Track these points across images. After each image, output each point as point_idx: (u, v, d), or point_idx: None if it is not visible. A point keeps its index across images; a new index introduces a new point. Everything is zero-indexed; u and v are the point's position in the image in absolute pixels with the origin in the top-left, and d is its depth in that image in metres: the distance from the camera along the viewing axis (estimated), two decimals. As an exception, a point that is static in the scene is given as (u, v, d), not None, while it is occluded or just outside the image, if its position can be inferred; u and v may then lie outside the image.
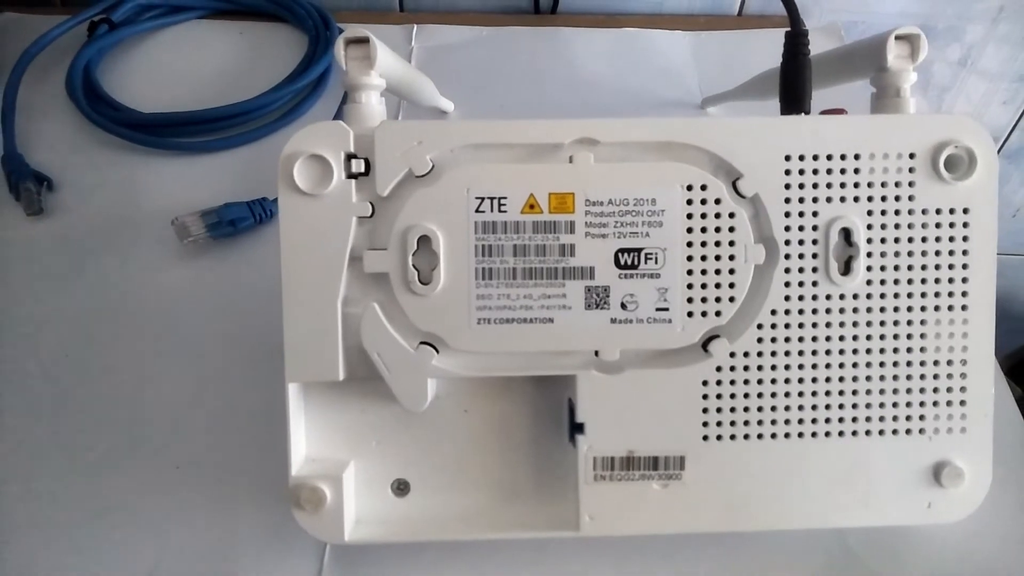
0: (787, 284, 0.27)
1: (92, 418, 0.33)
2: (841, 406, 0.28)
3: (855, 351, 0.28)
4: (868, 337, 0.28)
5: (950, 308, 0.28)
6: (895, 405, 0.28)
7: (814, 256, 0.27)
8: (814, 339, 0.27)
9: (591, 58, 0.53)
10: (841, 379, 0.28)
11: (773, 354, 0.27)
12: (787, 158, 0.27)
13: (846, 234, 0.27)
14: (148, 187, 0.43)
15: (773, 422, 0.28)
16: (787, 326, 0.27)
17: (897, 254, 0.27)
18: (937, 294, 0.28)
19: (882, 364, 0.28)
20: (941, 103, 0.65)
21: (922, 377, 0.28)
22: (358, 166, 0.27)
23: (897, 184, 0.27)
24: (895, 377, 0.28)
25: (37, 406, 0.34)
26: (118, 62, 0.51)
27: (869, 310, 0.28)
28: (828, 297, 0.27)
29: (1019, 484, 0.32)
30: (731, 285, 0.27)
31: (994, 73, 0.63)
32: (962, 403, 0.28)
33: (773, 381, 0.27)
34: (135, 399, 0.34)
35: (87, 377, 0.35)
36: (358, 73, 0.28)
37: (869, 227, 0.27)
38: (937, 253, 0.28)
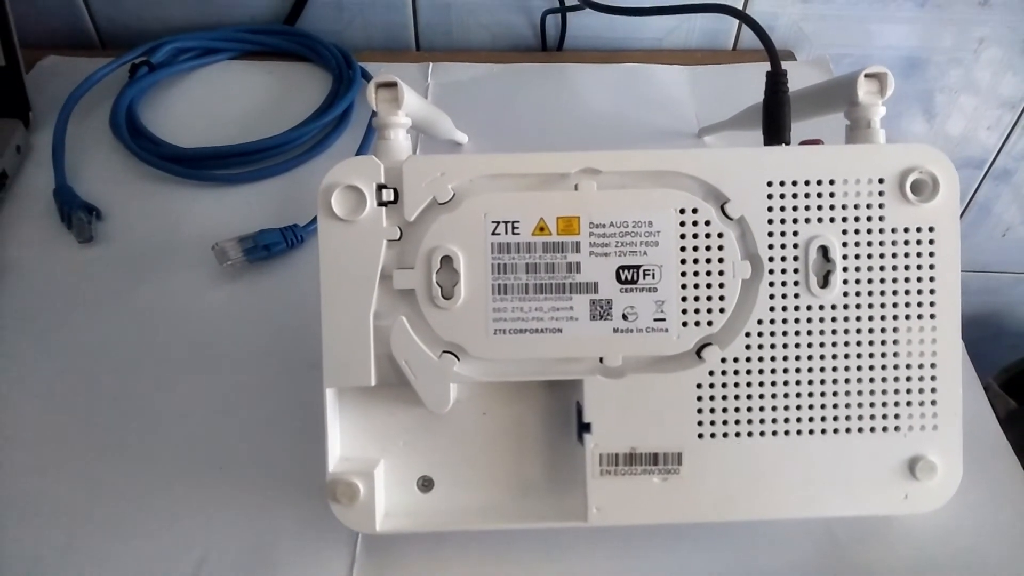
0: (772, 296, 0.30)
1: (140, 426, 0.36)
2: (823, 406, 0.31)
3: (835, 356, 0.31)
4: (846, 344, 0.31)
5: (919, 317, 0.31)
6: (872, 405, 0.31)
7: (795, 271, 0.30)
8: (797, 346, 0.30)
9: (596, 92, 0.57)
10: (822, 381, 0.30)
11: (760, 359, 0.30)
12: (769, 184, 0.30)
13: (824, 251, 0.30)
14: (187, 216, 0.46)
15: (762, 420, 0.30)
16: (772, 334, 0.30)
17: (870, 268, 0.31)
18: (907, 304, 0.31)
19: (859, 368, 0.31)
20: (930, 128, 0.68)
21: (896, 379, 0.31)
22: (388, 195, 0.30)
23: (868, 206, 0.31)
24: (871, 379, 0.31)
25: (90, 415, 0.37)
26: (157, 100, 0.55)
27: (846, 319, 0.31)
28: (809, 308, 0.30)
29: (992, 479, 0.35)
30: (721, 298, 0.30)
31: (979, 101, 0.66)
32: (933, 403, 0.31)
33: (761, 384, 0.30)
34: (181, 408, 0.37)
35: (136, 388, 0.38)
36: (387, 113, 0.31)
37: (844, 245, 0.30)
38: (907, 267, 0.31)
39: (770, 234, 0.30)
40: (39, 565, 0.31)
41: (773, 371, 0.30)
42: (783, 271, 0.30)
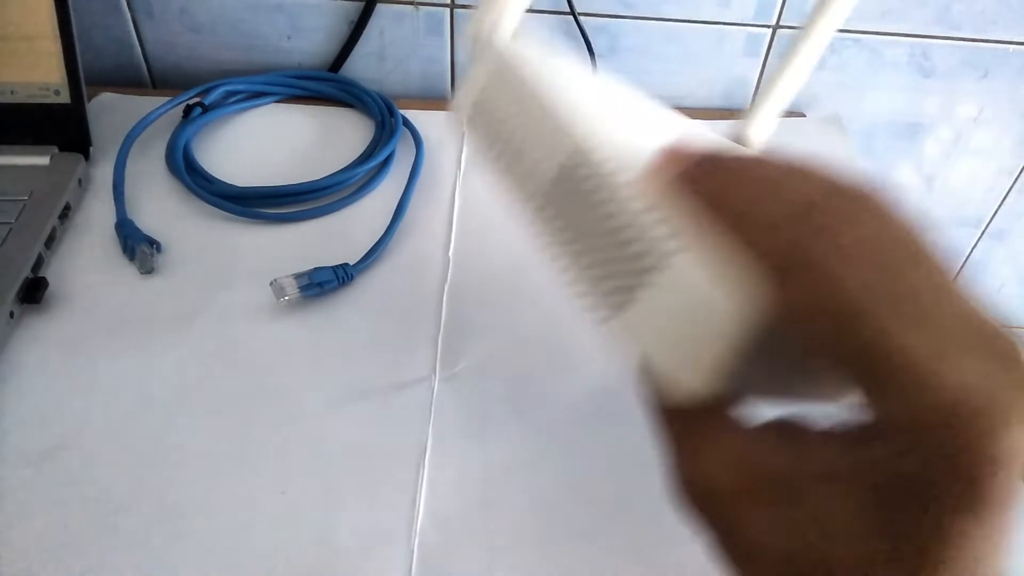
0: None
1: (196, 453, 0.38)
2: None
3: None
4: None
5: None
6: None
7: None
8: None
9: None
10: None
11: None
12: None
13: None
14: (241, 251, 0.49)
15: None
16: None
17: None
18: None
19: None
20: (931, 189, 0.72)
21: None
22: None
23: None
24: None
25: (144, 439, 0.38)
26: (207, 139, 0.58)
27: None
28: None
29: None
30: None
31: (978, 164, 0.70)
32: None
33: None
34: (239, 432, 0.39)
35: (196, 414, 0.40)
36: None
37: None
38: None
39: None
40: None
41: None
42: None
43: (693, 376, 0.18)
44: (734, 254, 0.18)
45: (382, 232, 0.50)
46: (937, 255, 0.18)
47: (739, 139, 0.37)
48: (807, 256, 0.17)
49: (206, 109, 0.58)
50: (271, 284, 0.44)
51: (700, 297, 0.18)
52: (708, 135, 0.26)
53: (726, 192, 0.19)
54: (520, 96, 0.24)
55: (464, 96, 0.28)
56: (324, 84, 0.62)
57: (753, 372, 0.17)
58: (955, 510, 0.15)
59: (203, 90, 0.59)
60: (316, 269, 0.46)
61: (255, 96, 0.61)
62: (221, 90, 0.59)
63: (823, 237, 0.17)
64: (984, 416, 0.15)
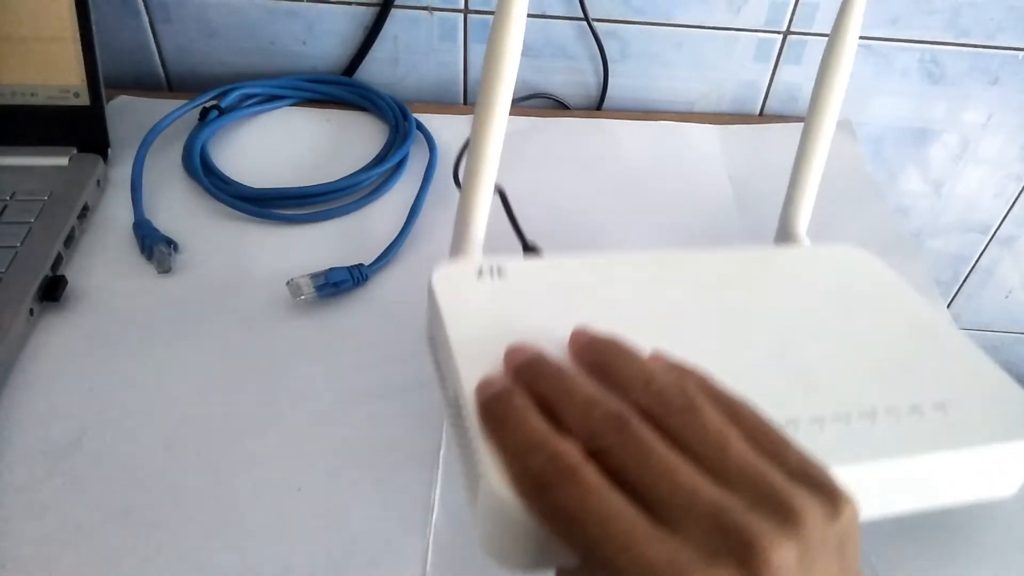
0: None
1: (216, 448, 0.38)
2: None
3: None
4: None
5: None
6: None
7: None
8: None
9: (632, 146, 0.61)
10: None
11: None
12: None
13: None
14: (257, 251, 0.49)
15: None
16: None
17: None
18: None
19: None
20: (939, 195, 0.72)
21: None
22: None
23: None
24: None
25: (161, 436, 0.39)
26: (223, 141, 0.58)
27: None
28: None
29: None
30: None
31: (986, 170, 0.70)
32: None
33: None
34: (256, 430, 0.39)
35: (212, 412, 0.40)
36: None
37: None
38: None
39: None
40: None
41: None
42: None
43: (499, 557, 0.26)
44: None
45: (396, 233, 0.50)
46: None
47: (786, 229, 0.43)
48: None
49: (222, 112, 0.58)
50: (287, 284, 0.45)
51: (496, 504, 0.25)
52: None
53: (536, 385, 0.27)
54: (442, 339, 0.32)
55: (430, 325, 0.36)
56: (338, 88, 0.63)
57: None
58: None
59: (219, 93, 0.59)
60: (332, 269, 0.46)
61: (270, 99, 0.62)
62: (237, 93, 0.60)
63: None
64: None
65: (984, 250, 0.76)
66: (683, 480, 0.23)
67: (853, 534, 0.23)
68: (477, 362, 0.29)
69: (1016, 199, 0.72)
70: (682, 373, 0.27)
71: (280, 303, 0.46)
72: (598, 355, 0.28)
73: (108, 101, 0.59)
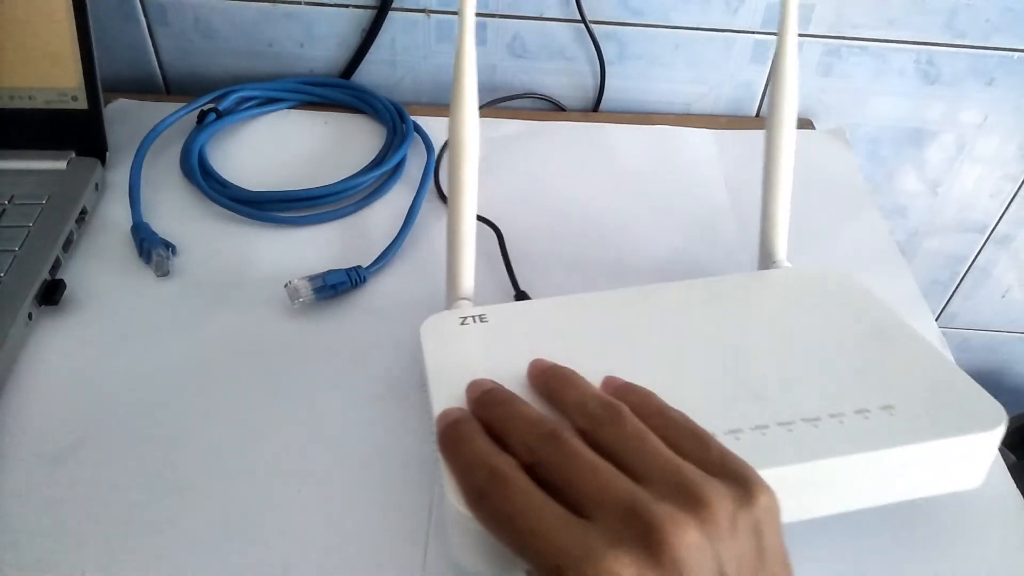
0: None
1: (214, 451, 0.38)
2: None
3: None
4: None
5: None
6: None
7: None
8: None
9: (629, 150, 0.61)
10: None
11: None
12: None
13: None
14: (255, 254, 0.49)
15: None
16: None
17: None
18: None
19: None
20: (936, 195, 0.72)
21: None
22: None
23: None
24: None
25: (161, 438, 0.39)
26: (221, 144, 0.58)
27: None
28: None
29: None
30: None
31: (982, 170, 0.70)
32: None
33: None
34: (255, 433, 0.39)
35: (212, 415, 0.40)
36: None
37: None
38: None
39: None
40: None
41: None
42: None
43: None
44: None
45: (394, 235, 0.50)
46: None
47: (767, 256, 0.45)
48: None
49: (220, 115, 0.58)
50: (285, 286, 0.45)
51: (455, 518, 0.29)
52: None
53: (489, 411, 0.31)
54: (426, 383, 0.35)
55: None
56: (336, 90, 0.63)
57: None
58: None
59: (217, 96, 0.59)
60: (329, 271, 0.46)
61: (268, 102, 0.62)
62: (235, 96, 0.60)
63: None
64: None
65: (981, 250, 0.76)
66: (602, 478, 0.26)
67: (770, 520, 0.26)
68: (452, 401, 0.32)
69: (1012, 199, 0.72)
70: (628, 391, 0.31)
71: (278, 305, 0.46)
72: (546, 383, 0.32)
73: (106, 104, 0.59)
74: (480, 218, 0.52)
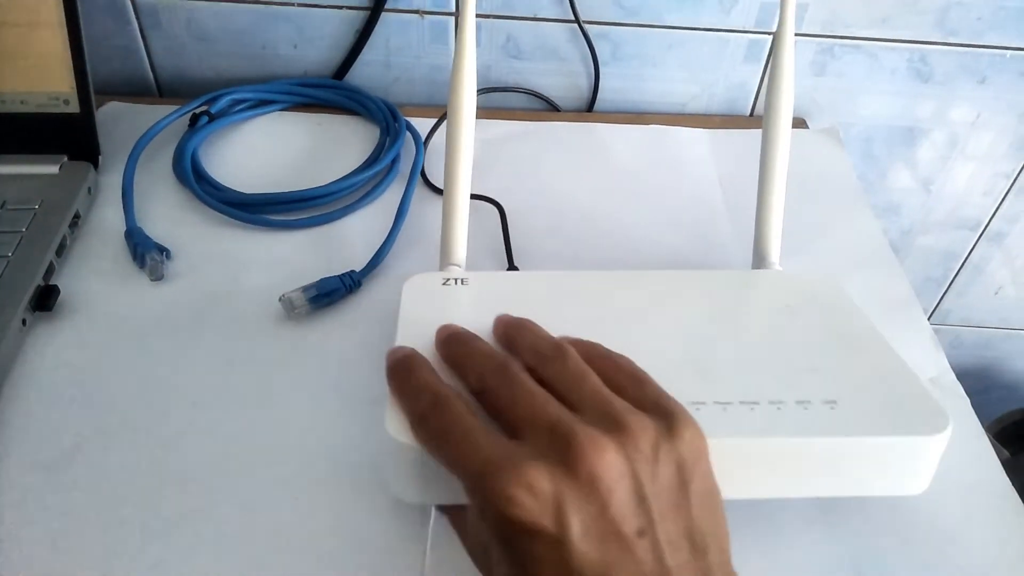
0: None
1: (207, 459, 0.38)
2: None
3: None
4: None
5: None
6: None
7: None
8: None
9: (623, 149, 0.61)
10: None
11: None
12: None
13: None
14: (248, 257, 0.49)
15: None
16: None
17: None
18: None
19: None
20: (929, 192, 0.72)
21: None
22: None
23: None
24: None
25: (158, 444, 0.39)
26: (214, 147, 0.58)
27: None
28: None
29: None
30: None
31: (975, 167, 0.71)
32: None
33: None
34: (251, 439, 0.39)
35: (208, 421, 0.40)
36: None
37: None
38: None
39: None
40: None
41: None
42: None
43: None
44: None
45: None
46: None
47: (759, 257, 0.46)
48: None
49: (212, 118, 0.58)
50: (280, 300, 0.45)
51: (392, 445, 0.31)
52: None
53: (449, 348, 0.34)
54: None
55: None
56: (328, 91, 0.63)
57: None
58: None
59: (209, 99, 0.59)
60: (323, 279, 0.46)
61: (260, 104, 0.62)
62: (227, 99, 0.60)
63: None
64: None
65: (974, 247, 0.77)
66: (537, 402, 0.28)
67: (695, 455, 0.28)
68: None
69: (1005, 196, 0.72)
70: (579, 341, 0.33)
71: (274, 309, 0.46)
72: (505, 332, 0.34)
73: (98, 107, 0.59)
74: (484, 197, 0.54)
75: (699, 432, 0.28)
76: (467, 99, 0.42)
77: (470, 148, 0.42)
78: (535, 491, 0.25)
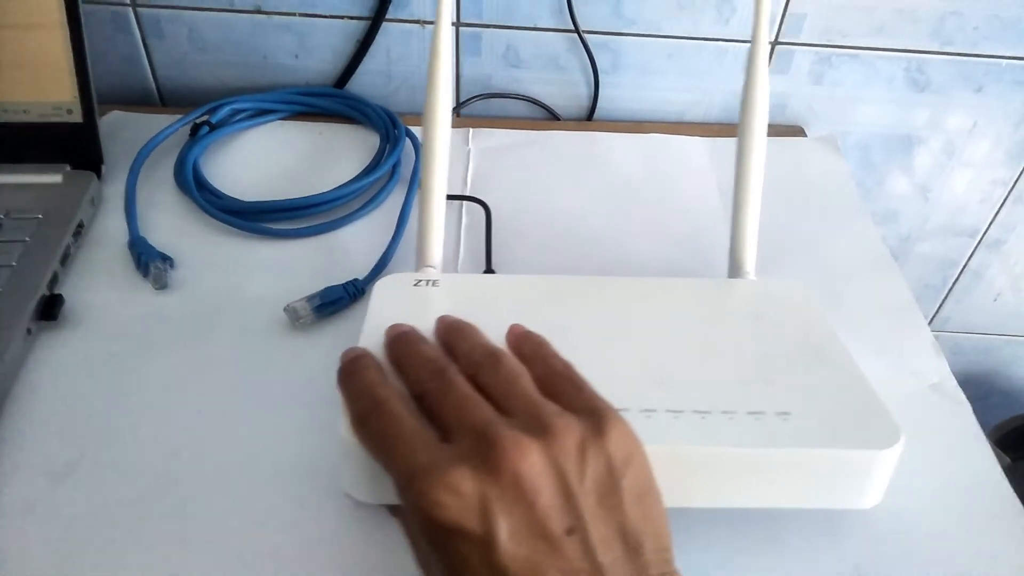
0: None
1: (214, 467, 0.38)
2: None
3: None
4: None
5: None
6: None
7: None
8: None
9: (623, 158, 0.61)
10: None
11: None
12: None
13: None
14: (251, 266, 0.49)
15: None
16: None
17: None
18: None
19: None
20: (927, 200, 0.73)
21: None
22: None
23: None
24: None
25: (163, 453, 0.39)
26: (215, 156, 0.58)
27: None
28: None
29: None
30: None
31: (973, 175, 0.71)
32: None
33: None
34: (258, 447, 0.39)
35: (213, 428, 0.40)
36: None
37: None
38: None
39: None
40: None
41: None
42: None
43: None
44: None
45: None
46: None
47: (734, 266, 0.46)
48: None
49: (213, 127, 0.59)
50: (285, 309, 0.45)
51: (342, 445, 0.32)
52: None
53: (394, 351, 0.35)
54: None
55: None
56: (328, 100, 0.63)
57: None
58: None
59: (210, 108, 0.59)
60: (327, 288, 0.46)
61: (261, 113, 0.62)
62: (228, 108, 0.60)
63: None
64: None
65: (972, 254, 0.77)
66: (468, 406, 0.29)
67: (622, 452, 0.28)
68: (374, 350, 0.35)
69: (1002, 204, 0.73)
70: (525, 338, 0.35)
71: (278, 318, 0.46)
72: (445, 335, 0.36)
73: (100, 117, 0.59)
74: (469, 197, 0.55)
75: (629, 432, 0.29)
76: (442, 99, 0.42)
77: (446, 149, 0.43)
78: (459, 493, 0.26)
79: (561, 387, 0.31)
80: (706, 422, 0.33)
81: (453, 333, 0.35)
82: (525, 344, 0.34)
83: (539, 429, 0.28)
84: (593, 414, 0.29)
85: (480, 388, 0.31)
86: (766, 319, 0.40)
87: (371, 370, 0.33)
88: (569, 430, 0.28)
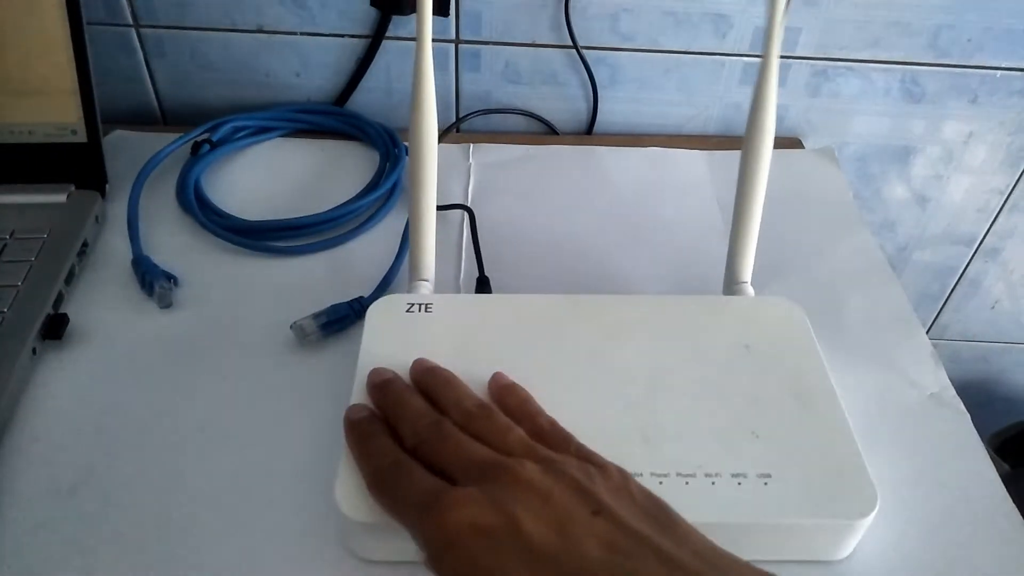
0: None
1: (218, 486, 0.39)
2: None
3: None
4: None
5: None
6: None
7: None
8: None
9: (623, 172, 0.62)
10: None
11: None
12: None
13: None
14: (254, 285, 0.50)
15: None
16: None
17: None
18: None
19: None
20: (925, 209, 0.73)
21: None
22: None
23: None
24: None
25: (169, 472, 0.39)
26: (215, 174, 0.59)
27: None
28: None
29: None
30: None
31: (969, 184, 0.72)
32: None
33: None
34: (262, 465, 0.39)
35: (218, 447, 0.40)
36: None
37: None
38: None
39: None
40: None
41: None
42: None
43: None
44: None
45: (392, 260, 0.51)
46: None
47: (730, 279, 0.46)
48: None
49: (214, 145, 0.59)
50: (291, 327, 0.45)
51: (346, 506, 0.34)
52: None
53: (383, 400, 0.36)
54: None
55: None
56: (328, 117, 0.64)
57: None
58: None
59: (211, 126, 0.60)
60: (333, 306, 0.46)
61: (261, 131, 0.62)
62: (228, 126, 0.61)
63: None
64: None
65: (969, 262, 0.77)
66: (469, 448, 0.31)
67: (621, 478, 0.30)
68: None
69: (999, 212, 0.73)
70: (509, 392, 0.36)
71: (282, 336, 0.46)
72: (426, 382, 0.37)
73: (104, 136, 0.59)
74: (454, 205, 0.56)
75: (622, 472, 0.31)
76: (428, 110, 0.43)
77: (433, 164, 0.43)
78: (472, 499, 0.28)
79: (550, 442, 0.33)
80: (690, 488, 0.34)
81: (434, 381, 0.37)
82: (509, 397, 0.36)
83: (541, 461, 0.30)
84: (588, 459, 0.32)
85: (474, 437, 0.32)
86: (757, 351, 0.40)
87: (382, 434, 0.34)
88: (569, 461, 0.30)
